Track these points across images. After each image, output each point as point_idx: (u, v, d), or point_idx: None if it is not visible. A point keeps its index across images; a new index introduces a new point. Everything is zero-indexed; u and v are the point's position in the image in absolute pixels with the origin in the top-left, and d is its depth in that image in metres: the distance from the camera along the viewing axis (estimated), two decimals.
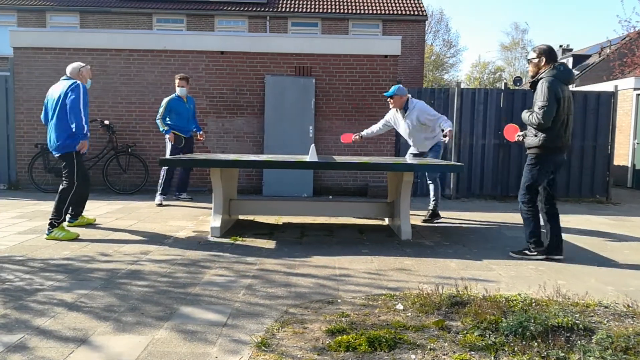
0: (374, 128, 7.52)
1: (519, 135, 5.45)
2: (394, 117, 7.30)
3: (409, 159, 7.31)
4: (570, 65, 37.07)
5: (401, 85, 7.25)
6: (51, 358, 2.76)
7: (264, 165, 5.81)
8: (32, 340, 2.98)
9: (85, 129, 5.88)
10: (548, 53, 5.12)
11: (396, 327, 3.22)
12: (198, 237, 5.93)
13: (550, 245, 5.20)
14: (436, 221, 7.22)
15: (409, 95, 7.16)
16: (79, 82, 5.90)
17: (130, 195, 9.25)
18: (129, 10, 21.60)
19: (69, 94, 5.79)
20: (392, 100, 7.06)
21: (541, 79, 5.04)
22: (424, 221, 7.21)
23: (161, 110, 8.29)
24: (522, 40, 53.98)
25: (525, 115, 5.19)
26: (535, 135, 5.10)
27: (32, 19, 21.59)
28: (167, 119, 8.33)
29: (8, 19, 21.48)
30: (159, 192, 8.35)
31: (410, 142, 7.39)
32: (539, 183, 5.18)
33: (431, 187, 7.34)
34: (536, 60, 5.15)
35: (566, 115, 5.07)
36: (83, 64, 6.18)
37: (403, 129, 7.19)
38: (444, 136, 6.70)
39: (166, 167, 8.26)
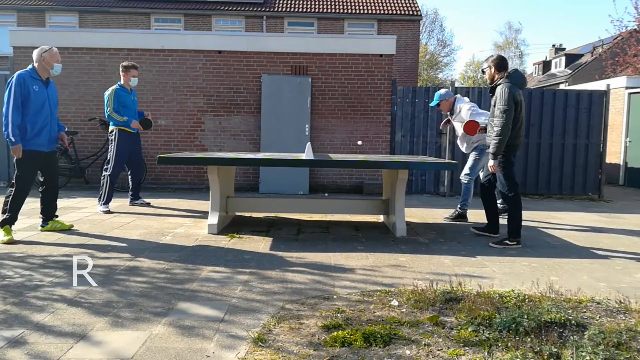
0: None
1: (480, 129, 6.20)
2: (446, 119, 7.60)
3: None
4: (562, 65, 37.26)
5: (443, 90, 7.38)
6: (51, 353, 2.79)
7: (260, 163, 5.84)
8: (31, 336, 3.01)
9: (9, 133, 5.23)
10: (499, 62, 5.69)
11: (391, 322, 3.26)
12: (195, 234, 5.96)
13: (495, 226, 6.14)
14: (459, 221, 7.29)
15: (457, 96, 7.39)
16: (16, 75, 5.36)
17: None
18: (127, 10, 21.60)
19: (5, 92, 5.30)
20: (440, 108, 7.38)
21: (500, 84, 5.53)
22: (448, 218, 7.38)
23: (110, 102, 7.39)
24: (515, 39, 54.17)
25: (486, 120, 5.70)
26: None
27: (31, 19, 21.58)
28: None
29: (8, 18, 21.46)
30: (102, 203, 7.33)
31: (460, 143, 7.38)
32: (514, 175, 5.65)
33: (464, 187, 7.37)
34: (488, 70, 5.73)
35: (522, 117, 5.58)
36: (47, 47, 5.62)
37: (458, 130, 7.27)
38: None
39: (110, 177, 7.35)
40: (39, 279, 4.12)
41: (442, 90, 7.37)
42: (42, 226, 5.97)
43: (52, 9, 21.56)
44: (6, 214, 5.52)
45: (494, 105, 5.56)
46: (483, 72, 5.86)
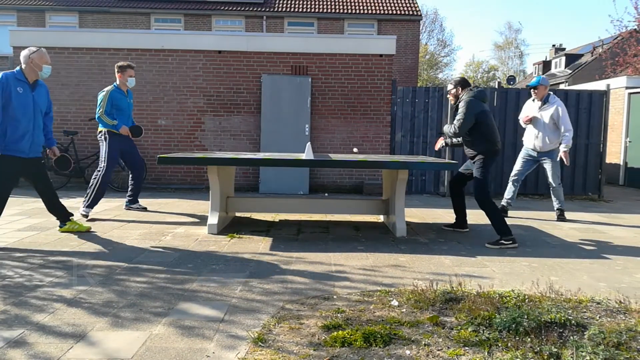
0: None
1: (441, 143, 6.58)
2: (526, 108, 7.73)
3: (522, 155, 7.69)
4: (562, 65, 37.29)
5: (545, 77, 7.61)
6: (50, 353, 2.79)
7: (260, 163, 5.84)
8: (31, 336, 3.01)
9: None
10: (462, 83, 6.14)
11: (391, 322, 3.26)
12: (195, 234, 5.96)
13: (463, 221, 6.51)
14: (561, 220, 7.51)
15: (551, 92, 7.56)
16: (1, 74, 5.14)
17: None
18: (127, 10, 21.60)
19: None
20: (536, 91, 7.45)
21: (462, 99, 5.96)
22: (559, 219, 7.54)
23: (103, 104, 6.99)
24: (515, 39, 54.19)
25: (446, 127, 6.19)
26: (473, 145, 5.99)
27: (31, 19, 21.58)
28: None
29: (8, 18, 21.47)
30: (86, 205, 6.82)
31: (533, 137, 7.49)
32: (489, 179, 6.05)
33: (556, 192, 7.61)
34: (454, 91, 6.14)
35: (493, 125, 5.99)
36: (35, 48, 5.32)
37: (535, 120, 7.46)
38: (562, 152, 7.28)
39: (102, 177, 6.89)
40: (39, 279, 4.12)
41: (544, 77, 7.56)
42: (60, 227, 5.91)
43: (52, 9, 21.56)
44: None
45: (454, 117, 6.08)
46: (449, 92, 6.25)
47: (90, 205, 6.82)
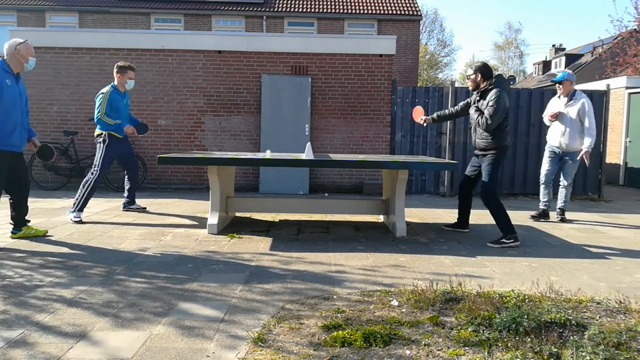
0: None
1: (421, 119, 6.51)
2: (552, 105, 7.50)
3: (547, 154, 7.48)
4: (563, 65, 37.30)
5: (571, 72, 7.42)
6: (51, 353, 2.79)
7: (260, 163, 5.84)
8: (31, 336, 3.01)
9: None
10: (484, 69, 5.91)
11: (391, 322, 3.26)
12: (195, 234, 5.96)
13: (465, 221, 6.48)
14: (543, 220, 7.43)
15: (576, 88, 7.39)
16: None
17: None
18: (127, 10, 21.60)
19: None
20: (561, 86, 7.25)
21: (492, 89, 5.76)
22: (533, 217, 7.52)
23: (102, 105, 6.81)
24: (515, 39, 54.16)
25: (474, 114, 5.92)
26: (489, 138, 5.82)
27: (31, 19, 21.59)
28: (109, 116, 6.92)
29: (8, 18, 21.47)
30: (77, 209, 6.61)
31: (559, 134, 7.27)
32: (498, 178, 6.04)
33: (562, 190, 7.47)
34: (473, 76, 5.93)
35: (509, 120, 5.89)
36: (21, 40, 5.18)
37: (560, 117, 7.25)
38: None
39: (94, 181, 6.71)
40: (39, 279, 4.12)
41: (571, 72, 7.37)
42: (13, 233, 5.55)
43: (52, 9, 21.56)
44: None
45: (485, 107, 5.79)
46: (468, 77, 6.05)
47: (81, 208, 6.65)
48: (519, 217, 7.65)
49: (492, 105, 5.68)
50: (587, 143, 7.04)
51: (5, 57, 5.16)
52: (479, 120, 5.83)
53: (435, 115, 6.61)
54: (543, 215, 7.47)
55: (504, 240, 5.66)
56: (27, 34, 10.29)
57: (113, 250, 5.16)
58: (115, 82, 7.06)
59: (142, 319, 3.30)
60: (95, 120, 6.90)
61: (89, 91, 10.06)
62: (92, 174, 6.78)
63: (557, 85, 7.33)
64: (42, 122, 10.02)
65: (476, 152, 6.08)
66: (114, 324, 3.22)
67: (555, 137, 7.32)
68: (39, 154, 5.80)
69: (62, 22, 21.71)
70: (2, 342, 2.92)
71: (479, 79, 5.89)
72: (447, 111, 6.58)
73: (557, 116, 7.26)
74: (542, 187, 7.57)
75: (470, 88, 6.03)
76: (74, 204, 6.63)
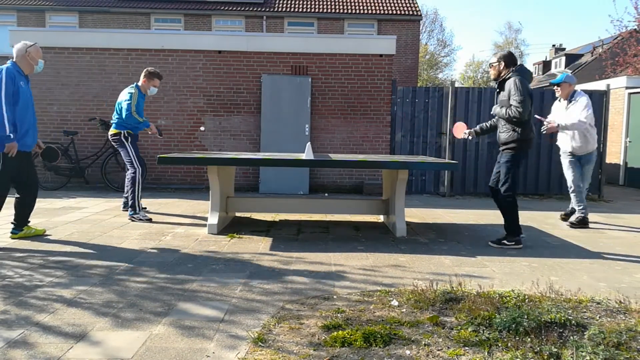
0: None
1: (465, 133, 6.13)
2: (553, 109, 7.18)
3: (567, 161, 7.02)
4: (563, 65, 37.28)
5: (570, 73, 6.96)
6: (51, 353, 2.79)
7: (260, 163, 5.84)
8: (31, 336, 3.01)
9: (7, 129, 4.94)
10: (508, 57, 5.57)
11: (391, 322, 3.26)
12: (195, 234, 5.96)
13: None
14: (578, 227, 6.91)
15: (577, 89, 6.96)
16: (4, 68, 5.09)
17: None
18: (127, 10, 21.61)
19: None
20: (559, 89, 6.87)
21: (510, 77, 5.44)
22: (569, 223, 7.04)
23: (133, 102, 6.88)
24: (515, 39, 54.17)
25: (500, 110, 5.54)
26: (514, 130, 5.47)
27: (31, 19, 21.59)
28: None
29: (8, 18, 21.49)
30: (136, 209, 6.84)
31: (569, 139, 6.92)
32: (518, 174, 5.65)
33: (573, 195, 7.03)
34: (496, 64, 5.59)
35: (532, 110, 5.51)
36: (31, 43, 5.31)
37: (562, 121, 6.82)
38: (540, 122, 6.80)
39: (139, 178, 6.88)
40: (39, 279, 4.12)
41: (570, 73, 6.94)
42: (13, 233, 5.54)
43: (52, 9, 21.57)
44: None
45: (506, 99, 5.46)
46: (490, 65, 5.67)
47: (139, 207, 6.86)
48: (519, 217, 7.64)
49: (515, 93, 5.33)
50: (568, 121, 6.65)
51: (15, 59, 5.25)
52: (508, 113, 5.39)
53: (478, 127, 6.24)
54: (584, 223, 6.94)
55: (505, 241, 5.58)
56: (27, 34, 10.31)
57: (113, 250, 5.16)
58: (140, 84, 7.10)
59: (142, 319, 3.30)
60: (125, 116, 6.86)
61: (88, 91, 10.07)
62: (133, 174, 6.90)
63: (555, 87, 6.95)
64: (42, 122, 10.02)
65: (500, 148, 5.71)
66: (114, 324, 3.22)
67: (566, 142, 6.99)
68: (44, 155, 5.83)
69: (62, 22, 21.72)
70: (2, 342, 2.92)
71: (501, 67, 5.56)
72: (488, 123, 6.13)
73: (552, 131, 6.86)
74: (573, 195, 7.05)
75: (492, 77, 5.67)
76: (131, 206, 6.83)
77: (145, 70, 7.16)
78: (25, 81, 5.30)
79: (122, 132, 6.92)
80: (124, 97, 6.98)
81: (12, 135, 5.03)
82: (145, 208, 7.62)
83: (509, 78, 5.47)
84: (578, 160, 7.03)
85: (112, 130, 7.00)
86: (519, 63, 5.62)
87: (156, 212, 7.48)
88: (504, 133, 5.57)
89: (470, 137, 6.24)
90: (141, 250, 5.15)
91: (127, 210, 7.40)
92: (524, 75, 5.46)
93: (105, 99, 10.06)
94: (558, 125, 6.75)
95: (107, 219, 6.81)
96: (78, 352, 2.82)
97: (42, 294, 3.74)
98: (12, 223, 5.63)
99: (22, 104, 5.17)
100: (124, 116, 6.89)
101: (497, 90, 5.63)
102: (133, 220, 6.72)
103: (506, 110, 5.45)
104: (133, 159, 6.92)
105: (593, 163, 7.08)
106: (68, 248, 5.18)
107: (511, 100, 5.38)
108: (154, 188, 10.10)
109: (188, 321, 3.29)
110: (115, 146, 7.10)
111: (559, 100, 7.05)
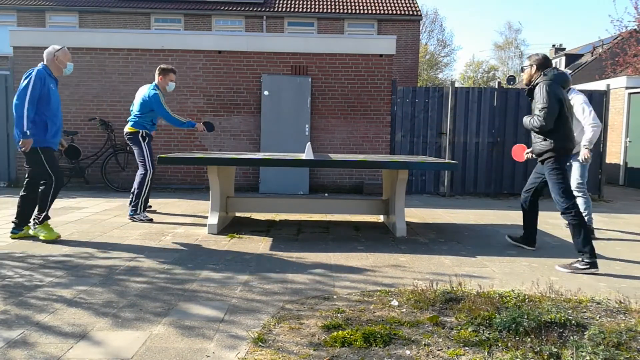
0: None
1: (527, 153, 5.43)
2: None
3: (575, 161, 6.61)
4: (562, 65, 37.23)
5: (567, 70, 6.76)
6: (51, 353, 2.79)
7: (260, 163, 5.84)
8: (31, 336, 3.01)
9: (25, 125, 5.12)
10: (540, 61, 5.13)
11: (391, 322, 3.26)
12: (195, 234, 5.97)
13: (532, 237, 5.54)
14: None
15: (571, 87, 6.52)
16: (35, 70, 5.30)
17: (128, 193, 9.25)
18: (127, 10, 21.60)
19: (22, 84, 5.20)
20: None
21: (537, 83, 5.00)
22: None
23: (164, 104, 6.95)
24: (515, 39, 54.16)
25: (526, 120, 5.13)
26: (545, 140, 4.99)
27: (31, 19, 21.59)
28: (148, 114, 6.98)
29: (8, 18, 21.48)
30: (139, 210, 6.83)
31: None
32: (569, 185, 5.02)
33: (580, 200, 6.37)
34: (527, 69, 5.19)
35: (570, 117, 5.00)
36: (59, 47, 5.52)
37: None
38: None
39: (146, 177, 6.84)
40: (39, 279, 4.12)
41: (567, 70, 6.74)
42: (13, 233, 5.56)
43: (52, 9, 21.56)
44: (43, 212, 5.46)
45: (534, 108, 5.04)
46: (522, 70, 5.36)
47: (143, 208, 6.87)
48: (519, 217, 7.64)
49: (539, 100, 4.90)
50: (586, 138, 6.18)
51: (45, 62, 5.45)
52: (532, 122, 4.99)
53: None
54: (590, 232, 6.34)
55: (577, 265, 4.74)
56: (27, 34, 10.33)
57: (113, 250, 5.15)
58: (157, 83, 7.08)
59: (142, 319, 3.31)
60: (166, 118, 6.94)
61: (88, 91, 10.07)
62: (144, 173, 6.85)
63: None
64: None
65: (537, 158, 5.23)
66: (114, 324, 3.22)
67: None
68: (67, 153, 5.99)
69: (62, 22, 21.71)
70: (2, 342, 2.92)
71: (532, 70, 5.14)
72: None
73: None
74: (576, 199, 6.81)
75: (524, 82, 5.25)
76: (133, 205, 6.80)
77: (158, 68, 7.14)
78: (55, 83, 5.48)
79: (141, 131, 6.90)
80: (141, 94, 6.99)
81: (28, 132, 5.18)
82: (151, 207, 7.54)
83: (537, 84, 5.02)
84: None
85: (129, 128, 6.94)
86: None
87: (156, 212, 7.48)
88: (537, 144, 5.09)
89: (533, 156, 5.41)
90: (141, 250, 5.16)
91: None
92: (557, 79, 4.97)
93: (105, 99, 10.06)
94: (586, 145, 6.24)
95: (107, 219, 6.81)
96: (78, 352, 2.82)
97: (42, 294, 3.75)
98: (12, 222, 5.63)
99: (54, 105, 5.38)
100: (165, 121, 7.03)
101: (529, 97, 5.18)
102: (133, 220, 6.73)
103: (529, 119, 5.05)
104: (146, 160, 6.88)
105: (579, 163, 6.61)
106: (68, 248, 5.18)
107: (536, 108, 4.97)
108: (154, 188, 10.08)
109: (188, 321, 3.29)
110: (130, 144, 7.03)
111: None
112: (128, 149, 9.54)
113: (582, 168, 6.47)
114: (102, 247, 5.25)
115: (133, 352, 2.82)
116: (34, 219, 5.55)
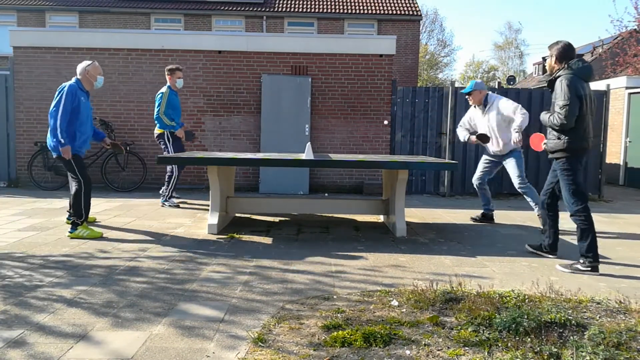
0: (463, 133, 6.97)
1: (544, 143, 5.07)
2: (471, 116, 7.01)
3: (483, 161, 7.07)
4: None
5: (478, 80, 6.94)
6: (50, 353, 2.79)
7: (260, 163, 5.85)
8: (31, 336, 3.01)
9: (60, 135, 5.57)
10: (561, 51, 4.79)
11: (391, 322, 3.26)
12: (196, 234, 5.96)
13: (554, 244, 5.24)
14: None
15: (489, 92, 6.86)
16: (67, 84, 5.69)
17: (128, 193, 9.28)
18: (127, 10, 21.60)
19: (56, 97, 5.64)
20: (470, 97, 6.80)
21: (559, 77, 4.72)
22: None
23: (162, 104, 7.64)
24: (515, 39, 54.16)
25: (544, 116, 4.88)
26: (559, 138, 4.77)
27: (31, 19, 21.59)
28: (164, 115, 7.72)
29: (8, 18, 21.49)
30: (167, 197, 7.94)
31: (491, 145, 6.81)
32: (582, 186, 4.80)
33: (531, 193, 6.64)
34: (548, 60, 4.93)
35: (589, 114, 4.75)
36: (89, 62, 5.91)
37: (483, 128, 6.78)
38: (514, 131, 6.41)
39: (172, 176, 7.89)
40: (39, 279, 4.12)
41: (478, 80, 6.92)
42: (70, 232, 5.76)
43: (52, 9, 21.56)
44: (81, 218, 5.76)
45: (554, 102, 4.77)
46: (544, 59, 5.23)
47: (170, 198, 7.95)
48: (519, 217, 7.66)
49: (559, 97, 4.63)
50: (517, 122, 6.38)
51: (78, 77, 5.82)
52: (551, 119, 4.75)
53: None
54: (490, 218, 7.11)
55: (578, 266, 4.70)
56: (27, 34, 10.32)
57: (113, 250, 5.16)
58: (169, 83, 7.83)
59: (142, 319, 3.31)
60: (155, 118, 7.74)
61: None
62: (171, 171, 7.88)
63: (467, 96, 6.89)
64: (43, 122, 10.02)
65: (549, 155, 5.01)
66: (114, 324, 3.22)
67: (489, 147, 6.88)
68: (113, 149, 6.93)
69: (62, 22, 21.71)
70: (2, 342, 2.92)
71: (553, 62, 4.83)
72: None
73: (480, 137, 6.72)
74: (478, 191, 7.12)
75: (547, 72, 4.99)
76: (164, 195, 7.95)
77: (165, 69, 7.91)
78: (86, 96, 5.85)
79: (165, 132, 7.73)
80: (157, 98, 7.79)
81: (63, 141, 5.58)
82: (179, 197, 8.50)
83: (559, 77, 4.73)
84: (498, 162, 6.96)
85: (157, 130, 7.81)
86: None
87: (156, 212, 7.48)
88: (550, 141, 4.87)
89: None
90: (141, 250, 5.16)
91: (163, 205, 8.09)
92: (580, 72, 4.67)
93: (105, 99, 10.05)
94: (516, 129, 6.43)
95: (107, 219, 6.81)
96: (78, 352, 2.82)
97: (42, 294, 3.75)
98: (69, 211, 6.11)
99: (83, 117, 5.76)
100: (154, 118, 7.73)
101: (549, 89, 4.88)
102: (163, 206, 7.83)
103: (549, 116, 4.80)
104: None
105: (518, 157, 6.74)
106: (68, 248, 5.18)
107: (554, 105, 4.71)
108: (155, 188, 10.09)
109: (188, 321, 3.29)
110: (162, 146, 7.90)
111: (474, 107, 6.91)
112: (128, 148, 9.54)
113: (518, 164, 6.62)
114: (102, 247, 5.25)
115: (133, 352, 2.82)
116: (71, 221, 5.84)
